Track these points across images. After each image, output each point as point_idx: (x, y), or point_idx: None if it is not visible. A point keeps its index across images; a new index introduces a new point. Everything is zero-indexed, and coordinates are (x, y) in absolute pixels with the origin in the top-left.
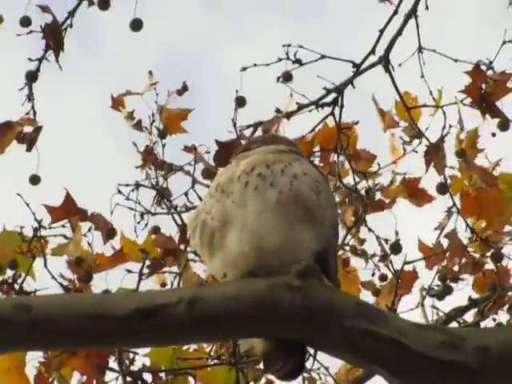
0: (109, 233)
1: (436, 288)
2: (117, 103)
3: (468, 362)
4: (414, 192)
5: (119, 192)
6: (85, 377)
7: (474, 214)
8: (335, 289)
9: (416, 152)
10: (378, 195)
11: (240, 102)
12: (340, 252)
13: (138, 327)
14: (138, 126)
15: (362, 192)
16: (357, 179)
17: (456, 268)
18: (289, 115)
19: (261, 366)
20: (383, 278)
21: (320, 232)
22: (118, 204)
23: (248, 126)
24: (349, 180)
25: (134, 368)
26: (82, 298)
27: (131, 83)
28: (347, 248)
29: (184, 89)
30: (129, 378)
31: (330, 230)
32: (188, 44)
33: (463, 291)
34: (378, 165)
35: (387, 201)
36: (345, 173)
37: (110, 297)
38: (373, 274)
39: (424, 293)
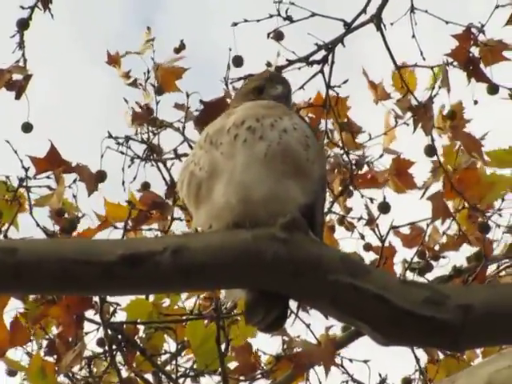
0: (98, 176)
1: (417, 263)
2: (113, 60)
3: (450, 320)
4: (402, 174)
5: (110, 136)
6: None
7: (458, 197)
8: (320, 242)
9: (407, 125)
10: (366, 167)
11: (237, 61)
12: (326, 219)
13: (122, 274)
14: (134, 84)
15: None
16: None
17: (437, 247)
18: (279, 70)
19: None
20: (368, 247)
21: (307, 185)
22: (109, 147)
23: (239, 79)
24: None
25: (114, 320)
26: (67, 244)
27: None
28: (333, 216)
29: (181, 47)
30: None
31: (318, 184)
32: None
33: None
34: (369, 136)
35: (378, 179)
36: (334, 146)
37: (96, 243)
38: (363, 238)
39: (406, 265)
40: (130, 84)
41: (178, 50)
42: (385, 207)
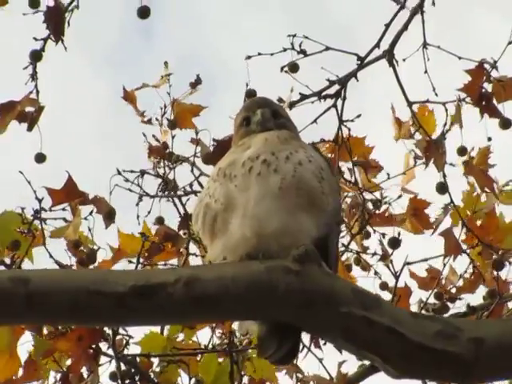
0: (108, 214)
1: (433, 304)
2: (129, 97)
3: (463, 353)
4: (419, 214)
5: (119, 173)
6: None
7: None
8: (333, 275)
9: (426, 165)
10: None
11: (250, 94)
12: (343, 258)
13: (134, 305)
14: (149, 122)
15: (369, 203)
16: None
17: (453, 289)
18: (291, 105)
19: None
20: (384, 285)
21: (321, 218)
22: (117, 185)
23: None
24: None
25: (127, 353)
26: (79, 274)
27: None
28: (350, 255)
29: (197, 82)
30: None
31: (332, 217)
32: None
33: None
34: (388, 176)
35: (396, 218)
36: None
37: (108, 273)
38: (380, 277)
39: (421, 305)
40: (145, 122)
41: (194, 85)
42: (395, 242)
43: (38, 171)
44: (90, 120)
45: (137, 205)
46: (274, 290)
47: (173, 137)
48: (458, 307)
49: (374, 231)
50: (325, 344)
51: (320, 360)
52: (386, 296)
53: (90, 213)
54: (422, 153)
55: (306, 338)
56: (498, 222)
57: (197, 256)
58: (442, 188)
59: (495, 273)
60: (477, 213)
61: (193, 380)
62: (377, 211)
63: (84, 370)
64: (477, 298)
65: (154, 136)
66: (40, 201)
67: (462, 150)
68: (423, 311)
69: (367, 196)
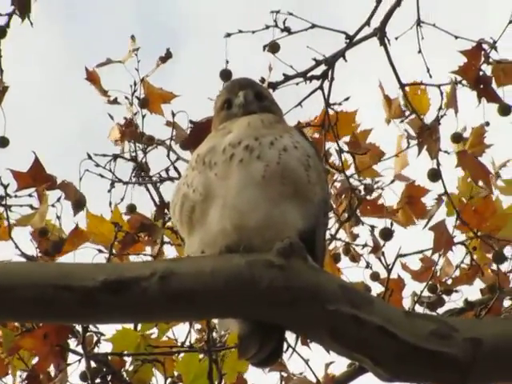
0: (77, 202)
1: (428, 297)
2: (92, 76)
3: (458, 355)
4: (414, 203)
5: (89, 158)
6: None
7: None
8: (320, 269)
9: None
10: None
11: (225, 75)
12: (331, 247)
13: (105, 301)
14: (115, 102)
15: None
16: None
17: (449, 281)
18: (274, 86)
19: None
20: (375, 276)
21: (308, 209)
22: (88, 170)
23: None
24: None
25: (98, 351)
26: (45, 267)
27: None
28: (338, 244)
29: (167, 56)
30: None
31: (319, 207)
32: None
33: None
34: (379, 158)
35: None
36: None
37: (76, 267)
38: (370, 267)
39: (415, 298)
40: (111, 102)
41: (164, 59)
42: (387, 234)
43: (1, 155)
44: (52, 100)
45: (109, 191)
46: (255, 286)
47: (143, 116)
48: (454, 300)
49: (362, 223)
50: (311, 342)
51: (306, 361)
52: (378, 288)
53: (58, 199)
54: (415, 132)
55: (291, 337)
56: (494, 208)
57: (172, 245)
58: (435, 175)
59: (495, 266)
60: (473, 198)
61: (168, 380)
62: (368, 197)
63: (52, 370)
64: (474, 290)
65: (125, 118)
66: (6, 186)
67: (456, 137)
68: (417, 305)
69: (357, 181)
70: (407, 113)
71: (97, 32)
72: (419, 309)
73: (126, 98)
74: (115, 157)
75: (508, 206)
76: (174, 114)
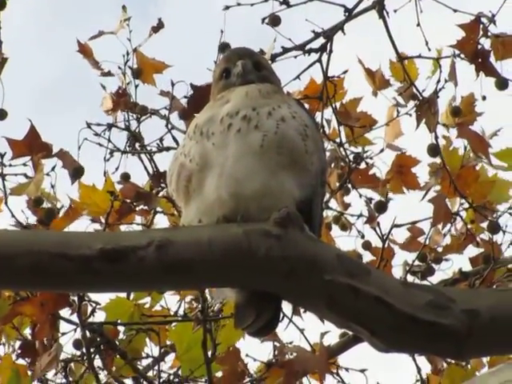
0: (75, 171)
1: (418, 266)
2: (84, 49)
3: (455, 325)
4: (405, 173)
5: (88, 127)
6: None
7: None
8: (317, 239)
9: (410, 115)
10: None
11: (223, 48)
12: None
13: (102, 269)
14: (109, 73)
15: (351, 156)
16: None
17: (440, 249)
18: (273, 58)
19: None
20: (367, 245)
21: (305, 178)
22: (87, 139)
23: None
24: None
25: (93, 320)
26: (41, 235)
27: None
28: (330, 213)
29: (160, 26)
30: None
31: (316, 177)
32: None
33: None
34: (370, 128)
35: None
36: (334, 135)
37: (74, 235)
38: (362, 236)
39: (407, 268)
40: (105, 74)
41: (156, 29)
42: (381, 206)
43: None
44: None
45: (107, 160)
46: (252, 256)
47: (136, 86)
48: (443, 269)
49: (359, 195)
50: (305, 312)
51: (301, 331)
52: (368, 258)
53: (53, 168)
54: (405, 101)
55: (286, 305)
56: (477, 175)
57: (165, 214)
58: (434, 150)
59: (490, 236)
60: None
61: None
62: (358, 167)
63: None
64: (465, 259)
65: (119, 88)
66: (2, 156)
67: (455, 111)
68: (408, 274)
69: (348, 151)
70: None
71: None
72: (410, 279)
73: (119, 67)
74: (110, 126)
75: (492, 174)
76: (173, 84)
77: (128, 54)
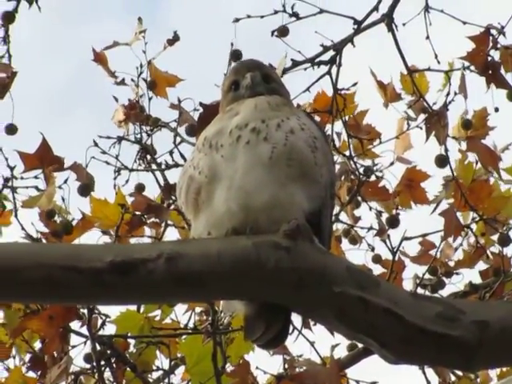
0: (84, 188)
1: (429, 279)
2: (99, 58)
3: (464, 337)
4: (414, 187)
5: (96, 145)
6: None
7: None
8: (326, 251)
9: (420, 128)
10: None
11: (235, 56)
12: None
13: (112, 282)
14: (122, 83)
15: (361, 169)
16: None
17: (451, 263)
18: (283, 72)
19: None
20: (377, 259)
21: (314, 190)
22: (94, 158)
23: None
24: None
25: (103, 333)
26: (51, 248)
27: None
28: (340, 226)
29: (175, 38)
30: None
31: (325, 189)
32: None
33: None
34: (379, 141)
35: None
36: (344, 147)
37: (84, 248)
38: (372, 249)
39: (417, 281)
40: (118, 83)
41: (171, 42)
42: (393, 221)
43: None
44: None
45: (115, 179)
46: (262, 268)
47: (150, 98)
48: (453, 283)
49: (369, 208)
50: (315, 325)
51: (311, 343)
52: (378, 270)
53: (65, 181)
54: (416, 114)
55: (296, 318)
56: (491, 190)
57: (176, 227)
58: (443, 161)
59: (500, 249)
60: (474, 181)
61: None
62: (368, 180)
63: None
64: (473, 273)
65: (129, 100)
66: (12, 168)
67: (466, 124)
68: (419, 288)
69: (357, 164)
70: (403, 94)
71: None
72: (420, 291)
73: (132, 80)
74: (120, 139)
75: (505, 189)
76: (180, 101)
77: (142, 66)
